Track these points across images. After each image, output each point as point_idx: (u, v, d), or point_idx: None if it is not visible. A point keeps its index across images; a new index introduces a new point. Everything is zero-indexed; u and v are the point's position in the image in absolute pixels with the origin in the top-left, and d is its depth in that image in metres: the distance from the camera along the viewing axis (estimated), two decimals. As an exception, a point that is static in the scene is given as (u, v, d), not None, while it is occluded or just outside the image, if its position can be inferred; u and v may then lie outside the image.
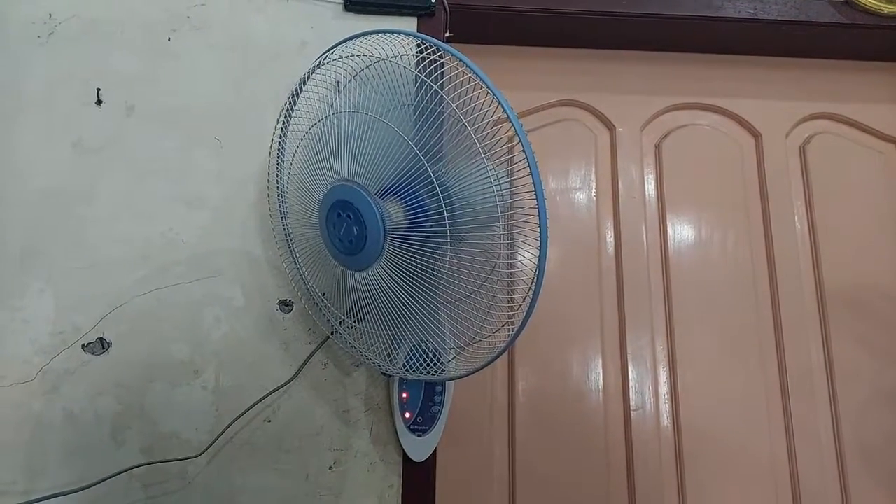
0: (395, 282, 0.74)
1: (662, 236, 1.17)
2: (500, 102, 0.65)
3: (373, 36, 0.76)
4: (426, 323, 0.76)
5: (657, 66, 1.23)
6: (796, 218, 1.19)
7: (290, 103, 0.85)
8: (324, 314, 0.89)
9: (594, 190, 1.18)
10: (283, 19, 1.05)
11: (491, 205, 0.69)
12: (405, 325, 0.77)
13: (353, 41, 0.78)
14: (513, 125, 0.65)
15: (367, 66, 0.75)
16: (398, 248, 0.73)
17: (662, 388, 1.11)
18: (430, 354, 0.83)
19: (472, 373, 0.77)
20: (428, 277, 0.73)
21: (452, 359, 0.80)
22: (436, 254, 0.72)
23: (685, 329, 1.13)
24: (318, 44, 1.05)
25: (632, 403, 1.09)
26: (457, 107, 0.67)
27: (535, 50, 1.21)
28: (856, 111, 1.24)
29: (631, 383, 1.10)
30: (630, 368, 1.11)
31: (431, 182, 0.69)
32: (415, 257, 0.72)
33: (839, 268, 1.17)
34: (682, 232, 1.17)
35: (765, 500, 1.08)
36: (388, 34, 0.75)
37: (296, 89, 0.84)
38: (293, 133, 0.85)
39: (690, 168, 1.19)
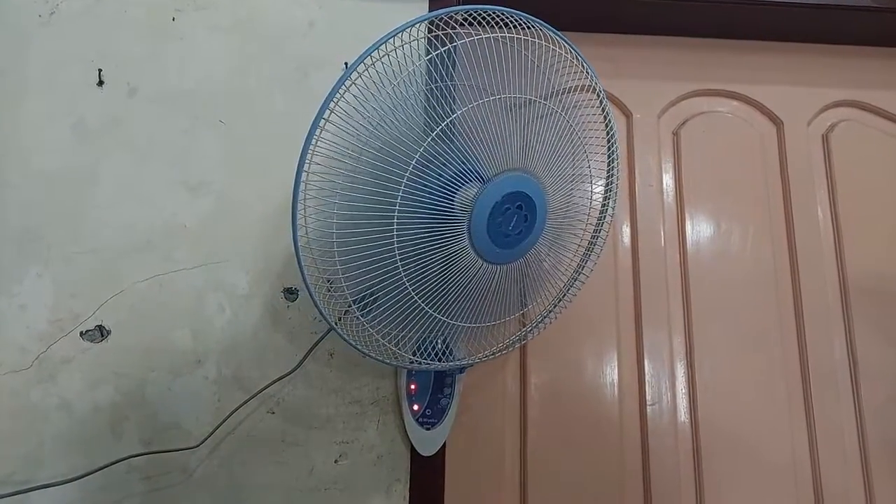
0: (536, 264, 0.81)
1: (680, 226, 1.13)
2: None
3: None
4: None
5: (675, 52, 1.19)
6: (819, 208, 1.15)
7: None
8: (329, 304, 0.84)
9: (609, 178, 1.14)
10: (290, -1, 1.02)
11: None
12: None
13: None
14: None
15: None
16: (553, 228, 0.80)
17: (679, 383, 1.07)
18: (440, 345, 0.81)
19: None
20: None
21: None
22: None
23: (703, 322, 1.09)
24: (326, 24, 1.02)
25: (648, 398, 1.06)
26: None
27: (549, 34, 1.17)
28: (881, 99, 1.19)
29: (647, 378, 1.06)
30: (646, 362, 1.07)
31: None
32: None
33: (862, 259, 1.13)
34: (700, 222, 1.13)
35: (785, 498, 1.04)
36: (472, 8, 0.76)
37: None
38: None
39: (709, 156, 1.15)
